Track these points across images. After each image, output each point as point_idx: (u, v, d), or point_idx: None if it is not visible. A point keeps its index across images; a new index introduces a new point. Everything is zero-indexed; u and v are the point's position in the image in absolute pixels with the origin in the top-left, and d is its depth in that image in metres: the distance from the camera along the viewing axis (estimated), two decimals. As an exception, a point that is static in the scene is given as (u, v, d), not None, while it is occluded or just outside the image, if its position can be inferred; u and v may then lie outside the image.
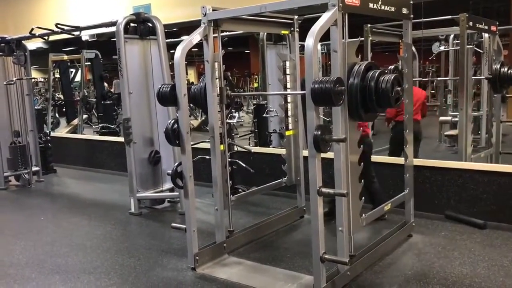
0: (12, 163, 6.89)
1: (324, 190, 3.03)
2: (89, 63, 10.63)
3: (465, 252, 3.91)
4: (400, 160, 4.44)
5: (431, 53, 7.94)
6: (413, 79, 4.77)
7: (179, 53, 3.53)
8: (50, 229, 5.02)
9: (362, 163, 3.38)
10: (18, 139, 6.94)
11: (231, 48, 14.38)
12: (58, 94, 12.96)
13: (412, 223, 4.29)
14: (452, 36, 7.53)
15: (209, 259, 3.86)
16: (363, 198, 3.41)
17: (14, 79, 6.81)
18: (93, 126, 11.07)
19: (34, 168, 7.15)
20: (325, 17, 2.99)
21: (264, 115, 6.97)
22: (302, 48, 4.74)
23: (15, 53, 6.82)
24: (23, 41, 6.92)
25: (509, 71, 5.21)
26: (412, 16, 3.94)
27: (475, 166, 4.72)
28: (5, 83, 6.75)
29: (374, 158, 4.91)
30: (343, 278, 3.35)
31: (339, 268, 3.35)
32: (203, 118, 11.68)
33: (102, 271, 3.84)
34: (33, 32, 6.60)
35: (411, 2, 3.91)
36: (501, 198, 4.44)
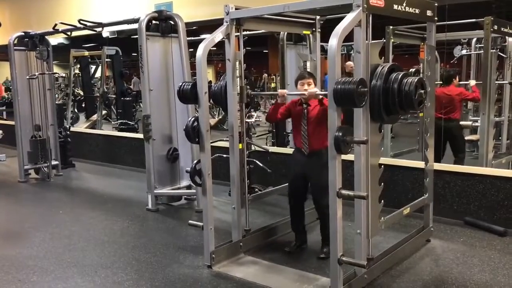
0: (32, 157, 6.99)
1: (344, 192, 3.01)
2: (109, 59, 10.72)
3: (485, 259, 3.85)
4: (420, 164, 4.39)
5: (452, 57, 7.83)
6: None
7: (201, 51, 3.54)
8: (69, 222, 5.07)
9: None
10: (39, 133, 7.04)
11: (249, 48, 14.39)
12: (78, 90, 13.11)
13: (431, 228, 4.24)
14: (474, 39, 7.42)
15: (225, 258, 3.86)
16: (382, 201, 3.38)
17: (37, 73, 6.91)
18: (112, 122, 11.18)
19: (54, 162, 7.24)
20: (349, 17, 2.97)
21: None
22: (322, 48, 4.77)
23: (38, 48, 6.91)
24: (46, 36, 7.02)
25: (533, 76, 5.13)
26: (436, 18, 3.89)
27: (496, 172, 4.65)
28: (28, 77, 6.86)
29: (394, 161, 4.87)
30: (360, 281, 3.32)
31: (356, 271, 3.32)
32: (220, 117, 11.72)
33: (119, 266, 3.87)
34: (56, 28, 6.69)
35: (436, 4, 3.86)
36: (522, 206, 4.37)
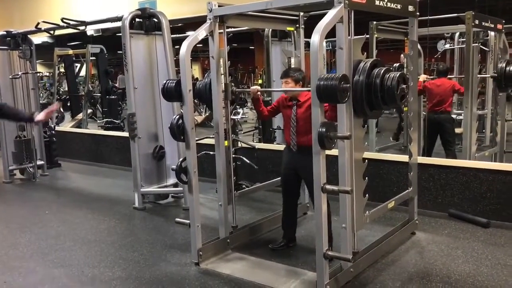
0: (17, 157, 6.92)
1: (328, 187, 3.04)
2: (94, 58, 10.64)
3: (468, 251, 3.91)
4: (404, 157, 4.44)
5: (436, 51, 7.91)
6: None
7: (185, 48, 3.53)
8: (55, 222, 5.04)
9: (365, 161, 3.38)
10: (23, 133, 6.97)
11: (235, 44, 14.36)
12: (63, 89, 12.98)
13: (416, 221, 4.29)
14: (457, 34, 7.49)
15: (212, 254, 3.88)
16: (367, 195, 3.42)
17: (20, 73, 6.84)
18: (98, 121, 11.10)
19: (39, 162, 7.19)
20: (331, 14, 2.99)
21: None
22: (307, 45, 4.78)
23: (20, 47, 6.84)
24: (28, 35, 6.94)
25: (515, 70, 5.20)
26: (418, 13, 3.93)
27: (479, 164, 4.72)
28: (10, 77, 6.78)
29: (379, 155, 4.91)
30: (346, 274, 3.36)
31: (342, 265, 3.36)
32: (207, 114, 11.69)
33: (106, 265, 3.86)
34: (39, 26, 6.64)
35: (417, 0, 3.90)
36: (505, 197, 4.44)
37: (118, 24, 5.29)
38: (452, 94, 5.90)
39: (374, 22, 5.78)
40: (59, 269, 3.83)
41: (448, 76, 6.13)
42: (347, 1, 3.02)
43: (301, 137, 3.75)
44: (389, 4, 3.49)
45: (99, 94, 11.14)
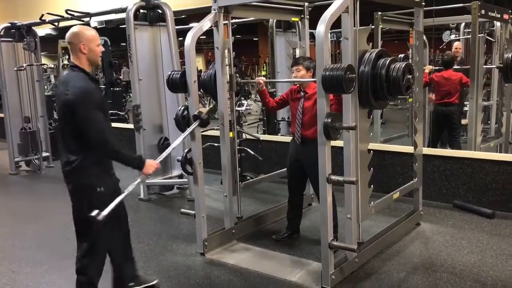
0: (23, 149, 6.96)
1: (333, 177, 3.05)
2: (98, 50, 10.62)
3: (473, 241, 3.92)
4: (409, 149, 4.43)
5: (441, 42, 7.87)
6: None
7: (190, 39, 3.53)
8: (61, 214, 5.04)
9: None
10: (29, 124, 6.99)
11: (239, 36, 14.32)
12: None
13: (421, 212, 4.29)
14: (463, 24, 7.44)
15: (217, 245, 3.90)
16: (372, 186, 3.42)
17: (25, 65, 6.85)
18: (102, 113, 11.09)
19: (44, 154, 7.22)
20: (336, 3, 2.98)
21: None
22: (311, 35, 4.77)
23: (25, 39, 6.83)
24: (33, 27, 6.94)
25: (521, 60, 5.17)
26: (424, 3, 3.91)
27: (484, 155, 4.70)
28: (15, 69, 6.80)
29: (384, 146, 4.90)
30: (351, 265, 3.37)
31: (347, 255, 3.37)
32: (211, 106, 11.69)
33: (112, 256, 3.88)
34: (43, 18, 6.62)
35: (423, -11, 3.88)
36: (510, 188, 4.43)
37: (123, 15, 5.28)
38: (459, 86, 5.87)
39: (379, 13, 5.75)
40: (66, 259, 3.85)
41: (454, 67, 6.10)
42: (352, -9, 3.01)
43: (305, 129, 3.74)
44: (394, -6, 3.48)
45: (103, 86, 11.15)
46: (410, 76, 3.25)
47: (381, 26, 5.72)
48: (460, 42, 6.90)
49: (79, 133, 2.61)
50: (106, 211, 2.60)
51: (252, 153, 5.38)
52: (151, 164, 2.91)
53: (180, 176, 5.57)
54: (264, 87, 3.97)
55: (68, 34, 2.80)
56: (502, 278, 3.28)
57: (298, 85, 3.85)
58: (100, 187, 2.73)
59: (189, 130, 3.49)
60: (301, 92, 3.78)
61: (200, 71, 5.25)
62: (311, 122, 3.60)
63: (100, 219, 2.56)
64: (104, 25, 8.60)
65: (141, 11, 5.31)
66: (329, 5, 2.99)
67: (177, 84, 3.69)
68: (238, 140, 4.31)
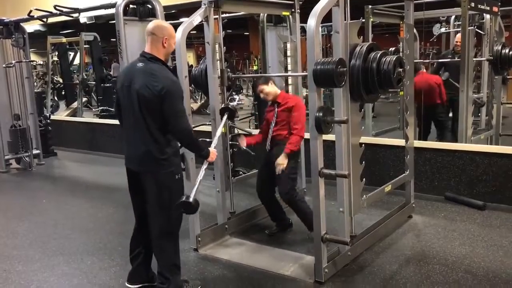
0: (13, 146, 6.90)
1: (325, 171, 3.05)
2: (88, 45, 10.55)
3: (465, 233, 3.95)
4: (401, 142, 4.45)
5: (431, 35, 7.88)
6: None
7: (180, 34, 3.50)
8: (52, 211, 5.05)
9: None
10: (18, 122, 6.94)
11: (230, 30, 14.26)
12: (57, 77, 12.88)
13: (412, 205, 4.32)
14: (453, 17, 7.46)
15: (211, 240, 3.90)
16: (364, 179, 3.43)
17: (13, 62, 6.78)
18: (93, 109, 11.04)
19: (35, 151, 7.17)
20: (327, -3, 2.96)
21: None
22: (302, 29, 4.76)
23: (13, 36, 6.77)
24: (21, 23, 6.86)
25: (510, 53, 5.21)
26: (414, -4, 3.91)
27: (475, 147, 4.74)
28: (4, 66, 6.73)
29: (375, 139, 4.90)
30: (344, 258, 3.39)
31: (340, 249, 3.38)
32: (202, 101, 11.65)
33: (105, 253, 3.88)
34: (31, 14, 6.55)
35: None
36: (500, 180, 4.47)
37: (112, 11, 5.23)
38: (437, 86, 5.90)
39: (370, 6, 5.74)
40: (58, 257, 3.85)
41: (443, 60, 6.10)
42: (343, -15, 3.00)
43: (278, 129, 3.86)
44: (385, -13, 3.47)
45: (94, 82, 11.07)
46: (401, 70, 3.26)
47: (371, 19, 5.71)
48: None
49: (162, 123, 2.79)
50: (193, 194, 2.84)
51: (244, 148, 5.36)
52: (213, 153, 3.09)
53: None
54: (245, 143, 4.01)
55: (152, 25, 2.96)
56: (493, 268, 3.31)
57: (269, 103, 3.99)
58: (178, 174, 2.97)
59: (221, 124, 3.54)
60: (275, 104, 3.90)
61: (191, 66, 5.21)
62: (282, 125, 3.82)
63: (192, 202, 2.80)
64: (94, 21, 8.53)
65: (131, 6, 5.24)
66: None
67: (168, 80, 3.65)
68: (230, 135, 4.29)
